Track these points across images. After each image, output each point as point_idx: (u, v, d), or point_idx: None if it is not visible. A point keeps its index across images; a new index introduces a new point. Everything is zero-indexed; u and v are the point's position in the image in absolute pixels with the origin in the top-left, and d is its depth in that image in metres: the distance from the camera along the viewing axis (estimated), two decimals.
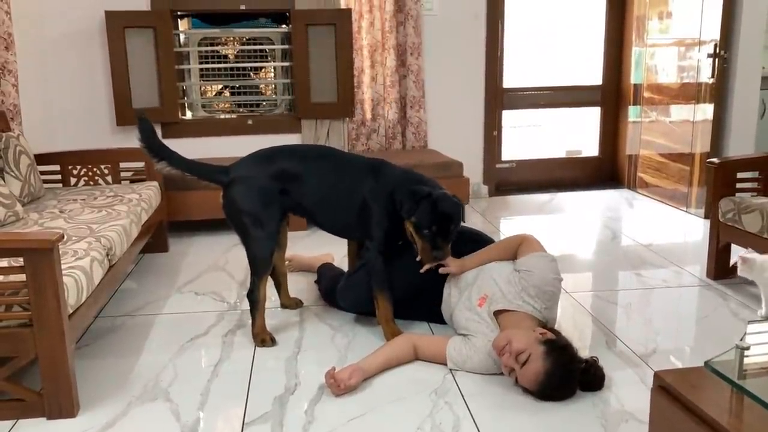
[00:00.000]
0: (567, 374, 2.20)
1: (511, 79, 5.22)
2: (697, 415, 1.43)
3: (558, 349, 2.18)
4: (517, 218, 4.67)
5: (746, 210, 3.03)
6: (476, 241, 2.77)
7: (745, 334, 1.58)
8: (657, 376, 1.56)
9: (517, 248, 2.59)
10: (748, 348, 1.45)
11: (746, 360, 1.47)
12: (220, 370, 2.46)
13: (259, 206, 2.59)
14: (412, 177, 2.67)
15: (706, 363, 1.46)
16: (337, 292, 2.85)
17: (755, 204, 3.02)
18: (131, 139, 4.45)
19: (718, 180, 3.22)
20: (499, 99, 5.12)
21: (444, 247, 2.53)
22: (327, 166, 2.68)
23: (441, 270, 2.60)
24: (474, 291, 2.55)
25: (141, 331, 2.80)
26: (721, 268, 3.27)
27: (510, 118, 5.39)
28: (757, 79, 4.39)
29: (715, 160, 3.31)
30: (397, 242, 2.66)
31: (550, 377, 2.16)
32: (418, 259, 2.58)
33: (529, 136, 6.23)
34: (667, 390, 1.52)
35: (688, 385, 1.50)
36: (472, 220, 4.42)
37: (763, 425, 1.35)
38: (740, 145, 4.41)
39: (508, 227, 4.41)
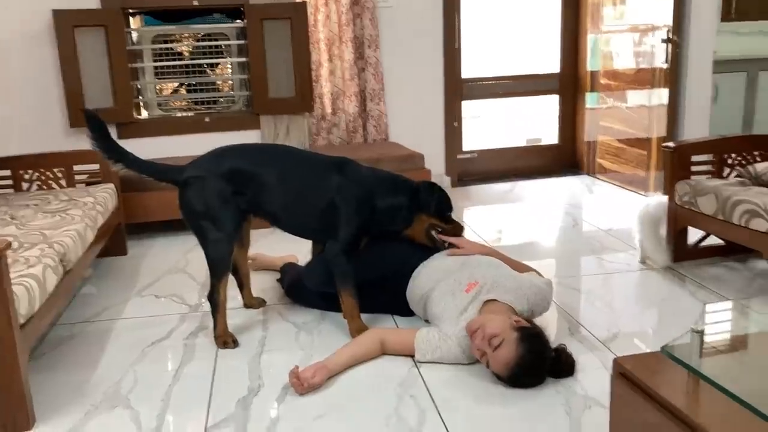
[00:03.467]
0: (538, 361, 2.21)
1: (469, 70, 5.22)
2: (656, 400, 1.44)
3: (531, 336, 2.20)
4: (479, 208, 4.69)
5: (701, 193, 3.08)
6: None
7: (700, 317, 1.60)
8: (616, 362, 1.57)
9: (524, 270, 2.68)
10: (702, 331, 1.46)
11: (703, 343, 1.49)
12: (182, 374, 2.41)
13: (214, 207, 2.54)
14: (381, 176, 2.70)
15: (662, 348, 1.47)
16: (304, 273, 2.83)
17: (710, 186, 3.07)
18: (85, 141, 4.35)
19: (674, 164, 3.27)
20: (458, 89, 5.12)
21: (458, 223, 2.81)
22: (287, 165, 2.64)
23: (457, 252, 2.70)
24: (464, 276, 2.54)
25: (100, 338, 2.74)
26: (679, 251, 3.32)
27: (470, 108, 5.40)
28: (709, 63, 4.46)
29: (670, 144, 3.35)
30: (360, 242, 2.65)
31: (522, 363, 2.17)
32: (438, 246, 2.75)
33: (490, 125, 6.26)
34: (627, 376, 1.53)
35: (646, 370, 1.51)
36: None
37: (720, 407, 1.37)
38: (695, 128, 4.49)
39: (471, 218, 4.42)
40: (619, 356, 1.60)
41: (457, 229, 2.78)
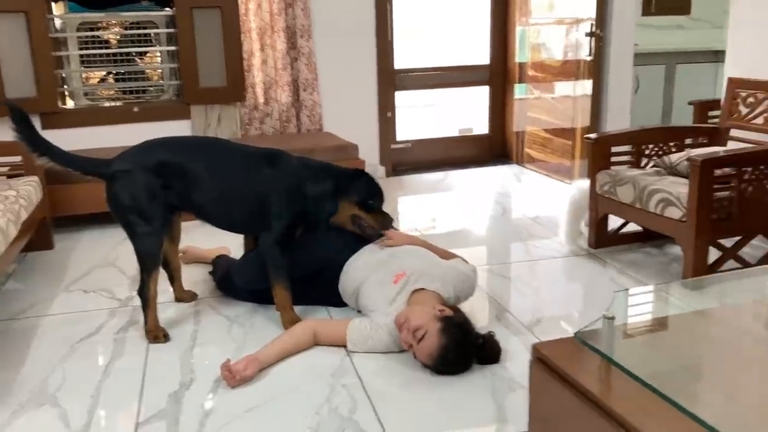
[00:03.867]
0: (461, 350, 2.29)
1: (402, 60, 5.28)
2: (571, 384, 1.52)
3: (454, 325, 2.26)
4: (413, 197, 4.76)
5: (620, 182, 3.22)
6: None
7: (612, 303, 1.70)
8: (534, 348, 1.65)
9: (449, 258, 2.73)
10: (613, 318, 1.55)
11: (614, 328, 1.58)
12: (112, 370, 2.39)
13: (142, 201, 2.52)
14: (313, 167, 2.69)
15: (575, 334, 1.56)
16: (232, 271, 2.82)
17: (628, 176, 3.21)
18: (6, 132, 4.22)
19: (596, 154, 3.41)
20: (391, 80, 5.17)
21: (387, 214, 2.74)
22: (217, 159, 2.63)
23: (387, 243, 2.73)
24: (392, 266, 2.60)
25: (26, 335, 2.68)
26: (601, 238, 3.47)
27: (405, 98, 5.46)
28: (631, 56, 4.64)
29: (592, 135, 3.49)
30: (295, 233, 2.66)
31: (445, 352, 2.24)
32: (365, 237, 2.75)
33: (424, 115, 6.33)
34: (544, 361, 1.61)
35: (562, 355, 1.59)
36: None
37: (631, 391, 1.45)
38: (617, 119, 4.67)
39: (405, 207, 4.49)
40: (537, 341, 1.68)
41: (384, 222, 2.75)
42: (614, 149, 3.46)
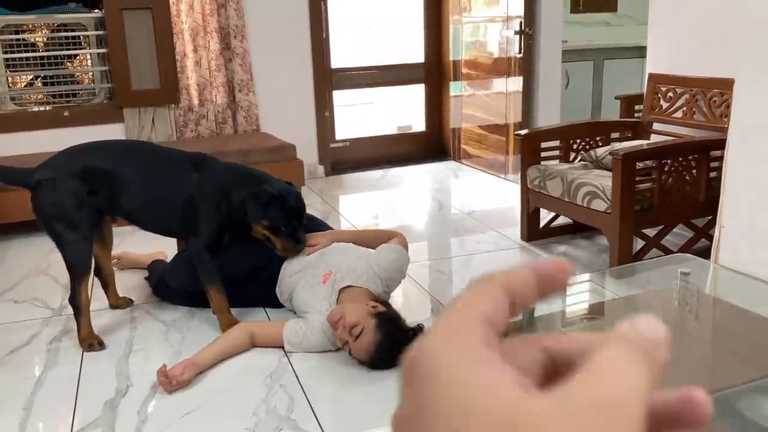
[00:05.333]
0: (396, 344, 2.33)
1: (339, 60, 5.30)
2: None
3: (387, 321, 2.31)
4: (353, 196, 4.80)
5: (549, 177, 3.33)
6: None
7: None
8: None
9: (387, 240, 2.75)
10: (533, 309, 1.62)
11: (533, 319, 1.66)
12: (45, 380, 2.36)
13: (68, 209, 2.48)
14: (240, 172, 2.67)
15: None
16: (166, 274, 2.81)
17: (557, 171, 3.32)
18: None
19: (525, 150, 3.51)
20: (328, 79, 5.19)
21: (303, 237, 2.67)
22: (143, 162, 2.61)
23: (310, 251, 2.69)
24: (319, 268, 2.63)
25: None
26: (532, 231, 3.58)
27: (343, 97, 5.48)
28: (559, 53, 4.78)
29: (521, 132, 3.59)
30: (223, 238, 2.66)
31: (381, 348, 2.28)
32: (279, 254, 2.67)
33: (363, 114, 6.37)
34: None
35: None
36: (310, 200, 4.47)
37: None
38: (548, 114, 4.80)
39: (345, 206, 4.53)
40: None
41: (289, 250, 2.65)
42: (544, 144, 3.57)
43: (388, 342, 2.29)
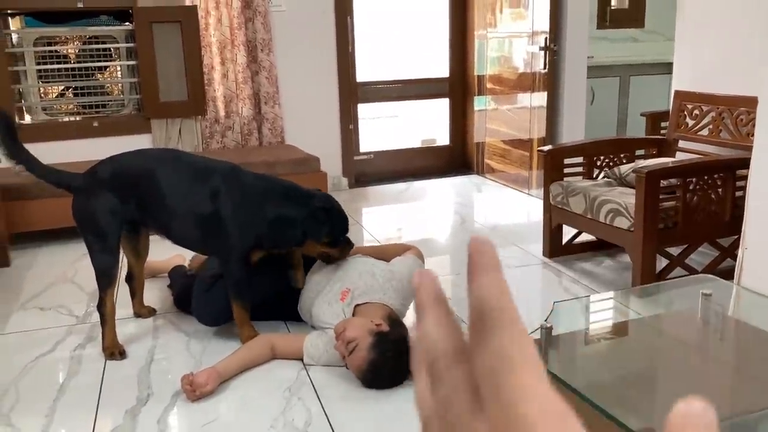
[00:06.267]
0: (388, 367, 2.30)
1: (364, 73, 5.34)
2: None
3: (386, 342, 2.28)
4: (376, 208, 4.81)
5: (572, 193, 3.31)
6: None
7: (551, 313, 1.76)
8: None
9: (402, 253, 2.78)
10: (551, 327, 1.62)
11: (552, 337, 1.65)
12: (67, 387, 2.40)
13: (98, 218, 2.52)
14: (271, 186, 2.63)
15: None
16: (193, 310, 2.78)
17: (580, 187, 3.31)
18: None
19: (549, 166, 3.50)
20: (353, 93, 5.23)
21: (350, 242, 2.73)
22: (177, 174, 2.58)
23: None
24: (337, 285, 2.64)
25: None
26: (554, 248, 3.56)
27: (367, 110, 5.52)
28: (584, 69, 4.76)
29: (544, 148, 3.58)
30: (253, 254, 2.63)
31: (372, 368, 2.28)
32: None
33: (387, 127, 6.39)
34: None
35: None
36: None
37: (568, 399, 1.52)
38: (572, 130, 4.78)
39: (368, 218, 4.54)
40: None
41: (347, 251, 2.74)
42: (567, 160, 3.55)
43: (381, 362, 2.27)
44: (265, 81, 4.80)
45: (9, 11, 4.34)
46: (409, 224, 4.38)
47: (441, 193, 5.11)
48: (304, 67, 4.95)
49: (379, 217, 4.63)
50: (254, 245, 2.60)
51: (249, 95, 4.77)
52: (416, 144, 5.95)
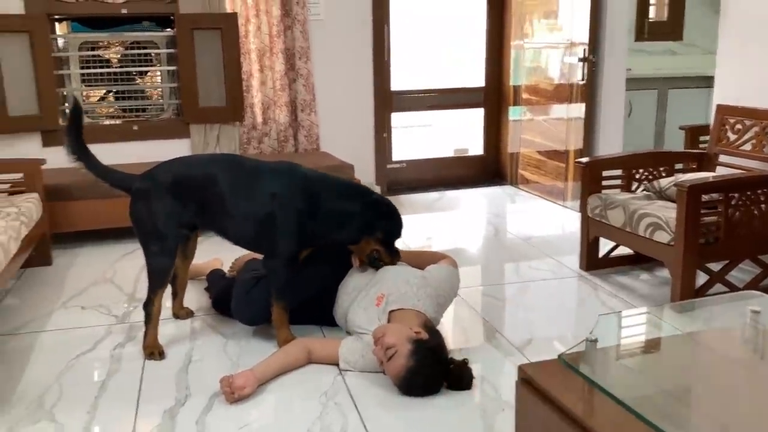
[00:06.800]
0: (427, 375, 2.31)
1: (399, 82, 5.36)
2: (555, 405, 1.57)
3: (424, 350, 2.29)
4: (408, 217, 4.78)
5: (611, 206, 3.28)
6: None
7: (595, 326, 1.74)
8: (520, 369, 1.69)
9: (437, 261, 2.78)
10: (596, 340, 1.60)
11: (597, 351, 1.63)
12: (108, 386, 2.43)
13: (156, 220, 2.56)
14: (330, 183, 2.65)
15: (559, 356, 1.61)
16: (232, 309, 2.80)
17: (619, 200, 3.28)
18: (8, 149, 4.29)
19: (587, 178, 3.47)
20: (387, 101, 5.25)
21: (398, 251, 2.75)
22: (233, 176, 2.61)
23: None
24: (372, 290, 2.65)
25: (23, 350, 2.72)
26: (592, 260, 3.53)
27: (401, 118, 5.53)
28: (623, 81, 4.72)
29: (583, 160, 3.56)
30: (301, 253, 2.66)
31: (410, 375, 2.28)
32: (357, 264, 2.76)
33: (420, 136, 6.41)
34: (529, 382, 1.66)
35: (547, 376, 1.64)
36: None
37: (612, 412, 1.50)
38: (609, 142, 4.74)
39: None
40: (524, 363, 1.73)
41: (395, 260, 2.74)
42: (605, 173, 3.53)
43: (419, 370, 2.28)
44: (302, 88, 4.84)
45: (57, 16, 4.44)
46: (442, 233, 4.37)
47: (474, 203, 5.10)
48: (341, 75, 4.99)
49: (412, 225, 4.61)
50: (307, 244, 2.63)
51: (286, 102, 4.82)
52: (449, 153, 5.95)
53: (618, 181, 3.56)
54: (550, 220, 4.61)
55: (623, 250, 3.55)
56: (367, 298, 2.64)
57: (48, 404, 2.30)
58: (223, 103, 4.61)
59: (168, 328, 2.87)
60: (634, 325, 2.18)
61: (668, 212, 3.00)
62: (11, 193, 3.65)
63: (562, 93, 4.87)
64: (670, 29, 5.83)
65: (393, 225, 2.69)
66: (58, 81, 4.43)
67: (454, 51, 6.06)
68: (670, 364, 1.88)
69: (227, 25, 4.51)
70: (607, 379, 1.58)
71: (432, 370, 2.31)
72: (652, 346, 2.02)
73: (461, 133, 6.29)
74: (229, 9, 4.58)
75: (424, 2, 5.83)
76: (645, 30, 5.71)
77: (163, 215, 2.57)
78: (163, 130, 4.67)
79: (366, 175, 5.06)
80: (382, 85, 5.14)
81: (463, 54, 5.89)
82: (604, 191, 3.47)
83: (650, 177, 3.56)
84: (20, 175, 3.68)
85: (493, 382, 2.42)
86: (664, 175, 3.55)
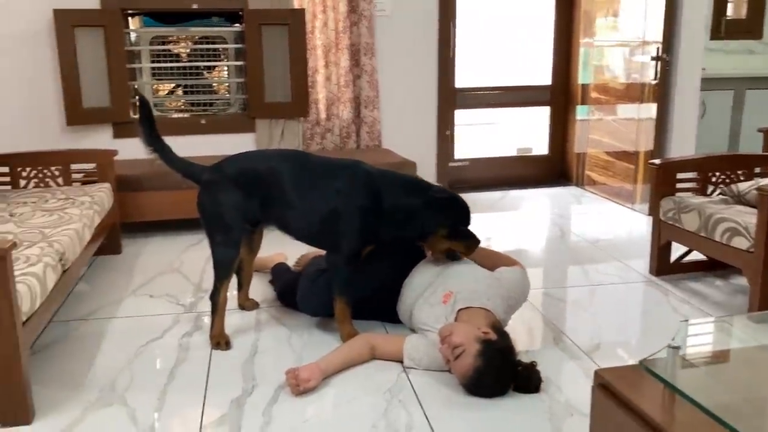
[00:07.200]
0: (495, 376, 2.27)
1: (463, 79, 5.31)
2: (634, 411, 1.52)
3: (492, 351, 2.25)
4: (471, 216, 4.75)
5: (685, 209, 3.17)
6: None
7: (678, 333, 1.68)
8: (597, 374, 1.64)
9: (506, 265, 2.74)
10: (678, 347, 1.54)
11: (680, 358, 1.57)
12: (176, 373, 2.47)
13: (223, 212, 2.60)
14: (394, 180, 2.63)
15: (640, 362, 1.55)
16: (298, 299, 2.83)
17: (694, 204, 3.16)
18: (82, 140, 4.43)
19: (659, 180, 3.36)
20: (451, 99, 5.20)
21: (474, 236, 2.70)
22: (299, 172, 2.63)
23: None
24: (440, 287, 2.61)
25: (95, 335, 2.79)
26: (663, 265, 3.42)
27: (463, 116, 5.48)
28: (698, 81, 4.56)
29: (656, 161, 3.44)
30: (365, 249, 2.65)
31: (478, 375, 2.24)
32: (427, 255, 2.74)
33: (483, 134, 6.35)
34: (607, 387, 1.61)
35: (625, 382, 1.59)
36: None
37: (695, 421, 1.44)
38: (682, 144, 4.59)
39: None
40: (600, 367, 1.68)
41: (471, 249, 2.71)
42: (679, 175, 3.41)
43: (487, 371, 2.24)
44: (366, 85, 4.84)
45: (130, 11, 4.56)
46: (505, 233, 4.30)
47: (538, 204, 5.01)
48: (405, 71, 4.97)
49: (474, 225, 4.56)
50: (371, 241, 2.62)
51: (350, 98, 4.83)
52: (511, 152, 5.86)
53: (692, 184, 3.44)
54: (617, 222, 4.49)
55: (696, 256, 3.43)
56: (434, 295, 2.61)
57: (120, 388, 2.36)
58: (288, 99, 4.64)
59: (234, 319, 2.91)
60: (713, 333, 2.09)
61: (747, 217, 2.87)
62: (84, 183, 3.76)
63: (633, 92, 4.73)
64: (749, 28, 5.60)
65: (456, 215, 2.65)
66: (129, 74, 4.54)
67: (519, 48, 5.97)
68: (752, 374, 1.79)
69: (294, 21, 4.54)
70: (690, 386, 1.52)
71: (500, 371, 2.27)
72: (732, 355, 1.94)
73: (524, 131, 6.20)
74: (296, 5, 4.61)
75: (491, 0, 5.76)
76: (722, 28, 5.49)
77: (229, 207, 2.60)
78: (229, 125, 4.74)
79: (428, 173, 5.03)
80: (446, 82, 5.10)
81: (528, 52, 5.80)
82: (677, 194, 3.35)
83: (727, 180, 3.42)
84: (93, 165, 3.79)
85: (561, 386, 2.36)
86: (742, 178, 3.41)
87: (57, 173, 3.73)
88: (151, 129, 2.67)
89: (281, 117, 4.69)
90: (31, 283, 2.22)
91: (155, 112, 4.77)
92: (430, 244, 2.68)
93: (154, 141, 2.68)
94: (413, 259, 2.80)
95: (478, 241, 2.72)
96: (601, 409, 1.64)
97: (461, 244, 2.68)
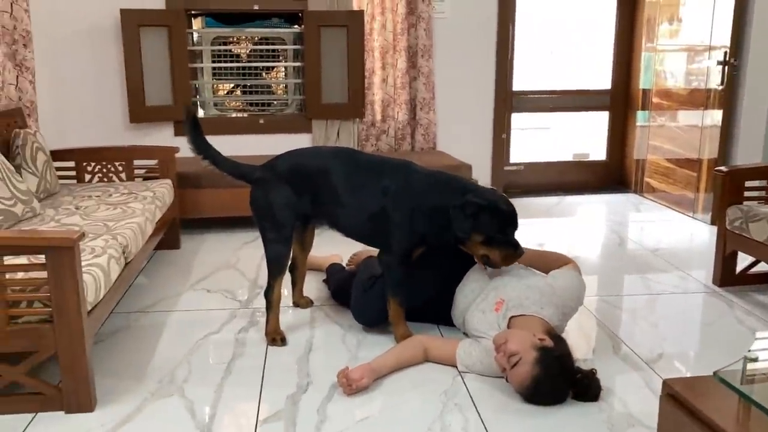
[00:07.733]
0: (554, 384, 2.22)
1: (520, 82, 5.25)
2: (705, 423, 1.47)
3: (550, 358, 2.20)
4: (526, 221, 4.67)
5: (753, 218, 3.06)
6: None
7: (753, 344, 1.62)
8: (666, 384, 1.59)
9: (560, 266, 2.64)
10: (756, 359, 1.48)
11: (753, 370, 1.51)
12: (233, 368, 2.50)
13: (274, 209, 2.63)
14: (439, 180, 2.57)
15: (714, 373, 1.50)
16: (352, 308, 2.83)
17: (762, 212, 3.05)
18: (144, 137, 4.54)
19: (726, 188, 3.26)
20: (508, 102, 5.15)
21: (518, 243, 2.52)
22: (350, 170, 2.63)
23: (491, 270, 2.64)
24: (491, 294, 2.58)
25: (155, 328, 2.85)
26: (727, 275, 3.30)
27: (519, 120, 5.42)
28: (767, 88, 4.40)
29: (723, 168, 3.34)
30: (417, 250, 2.63)
31: (535, 384, 2.19)
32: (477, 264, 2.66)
33: (538, 138, 6.27)
34: (675, 398, 1.56)
35: (695, 393, 1.54)
36: None
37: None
38: (748, 152, 4.44)
39: (518, 230, 4.43)
40: (667, 378, 1.63)
41: (507, 260, 2.54)
42: (746, 184, 3.29)
43: (545, 378, 2.19)
44: (422, 87, 4.83)
45: (194, 12, 4.65)
46: (562, 239, 4.23)
47: (595, 210, 4.92)
48: (462, 74, 4.94)
49: (530, 230, 4.51)
50: (419, 242, 2.60)
51: (405, 100, 4.82)
52: (567, 157, 5.77)
53: (761, 193, 3.32)
54: (678, 231, 4.37)
55: (763, 267, 3.31)
56: (485, 301, 2.58)
57: (179, 380, 2.39)
58: (345, 100, 4.67)
59: (288, 316, 2.93)
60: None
61: None
62: (146, 178, 3.85)
63: (697, 98, 4.60)
64: None
65: (489, 222, 2.44)
66: (191, 74, 4.63)
67: (578, 52, 5.88)
68: None
69: (353, 23, 4.56)
70: (765, 399, 1.46)
71: (558, 378, 2.22)
72: None
73: (580, 137, 6.09)
74: (355, 6, 4.63)
75: (550, 3, 5.68)
76: None
77: (280, 204, 2.62)
78: (287, 125, 4.79)
79: (482, 176, 5.00)
80: (504, 85, 5.05)
81: (587, 56, 5.71)
82: (745, 203, 3.24)
83: None
84: (155, 161, 3.87)
85: (621, 395, 2.30)
86: None
87: (120, 168, 3.83)
88: (198, 137, 2.70)
89: (337, 118, 4.71)
90: (96, 274, 2.28)
91: (215, 111, 4.87)
92: (468, 249, 2.57)
93: (203, 148, 2.71)
94: (464, 265, 2.76)
95: (518, 253, 2.52)
96: (668, 419, 1.59)
97: (497, 252, 2.51)
